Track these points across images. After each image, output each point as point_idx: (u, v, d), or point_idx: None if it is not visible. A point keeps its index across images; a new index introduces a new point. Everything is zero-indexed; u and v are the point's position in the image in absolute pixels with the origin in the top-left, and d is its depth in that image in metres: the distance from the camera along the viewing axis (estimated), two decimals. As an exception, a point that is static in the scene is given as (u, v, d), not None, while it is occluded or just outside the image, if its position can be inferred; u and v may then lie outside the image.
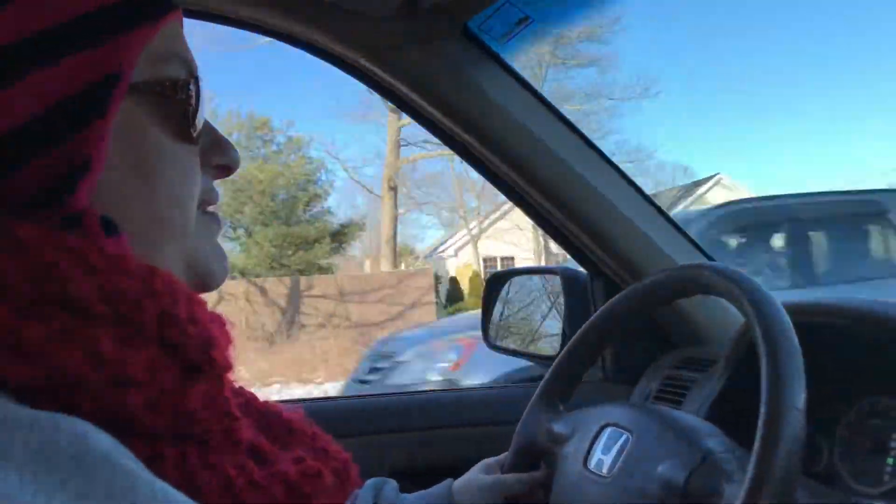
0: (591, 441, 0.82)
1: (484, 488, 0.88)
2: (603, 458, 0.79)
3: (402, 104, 1.16)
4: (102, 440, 0.36)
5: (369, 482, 0.87)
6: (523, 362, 2.29)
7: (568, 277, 1.37)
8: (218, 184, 0.59)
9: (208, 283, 0.55)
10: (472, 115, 1.13)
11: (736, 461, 0.69)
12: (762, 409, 0.62)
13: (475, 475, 0.91)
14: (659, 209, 1.27)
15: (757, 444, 0.60)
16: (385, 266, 18.23)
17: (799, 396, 0.61)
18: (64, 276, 0.40)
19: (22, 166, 0.43)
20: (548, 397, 0.92)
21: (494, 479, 0.89)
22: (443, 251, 23.64)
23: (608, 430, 0.81)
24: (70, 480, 0.33)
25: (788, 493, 0.59)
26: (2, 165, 0.43)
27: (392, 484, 0.88)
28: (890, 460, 0.82)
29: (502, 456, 0.94)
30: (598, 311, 0.92)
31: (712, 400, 0.99)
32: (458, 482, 0.90)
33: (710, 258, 1.32)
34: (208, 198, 0.56)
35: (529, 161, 1.17)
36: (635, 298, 0.88)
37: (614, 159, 1.23)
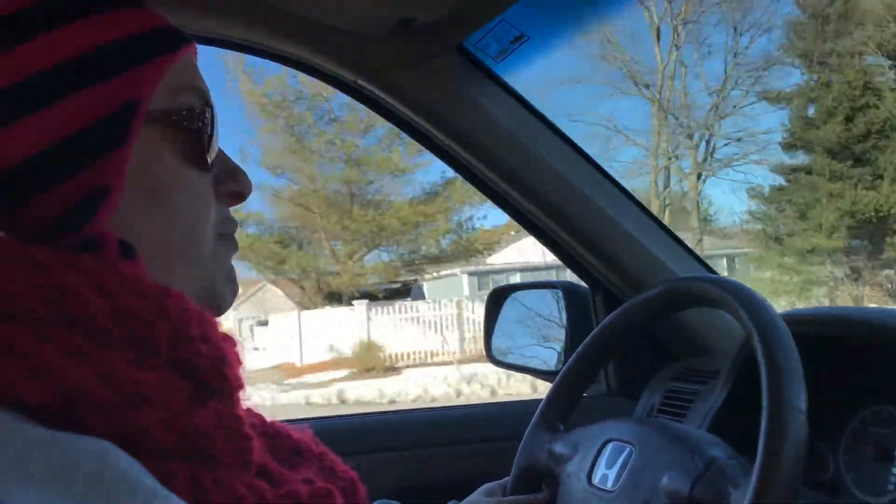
0: (594, 457, 0.82)
1: None
2: (607, 473, 0.79)
3: (400, 123, 1.17)
4: (121, 458, 0.37)
5: None
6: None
7: (569, 292, 1.37)
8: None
9: (218, 307, 0.55)
10: (470, 133, 1.14)
11: (740, 467, 0.69)
12: (764, 413, 0.62)
13: (477, 498, 0.91)
14: (658, 222, 1.28)
15: (761, 446, 0.60)
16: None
17: (799, 398, 0.62)
18: (79, 298, 0.41)
19: (45, 192, 0.45)
20: (548, 419, 0.92)
21: (496, 502, 0.89)
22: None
23: (611, 446, 0.81)
24: (88, 498, 0.34)
25: (794, 493, 0.59)
26: (25, 192, 0.44)
27: None
28: (894, 469, 0.82)
29: (504, 480, 0.94)
30: (594, 329, 0.92)
31: (715, 411, 0.99)
32: None
33: (710, 270, 1.32)
34: (225, 228, 0.57)
35: (528, 177, 1.18)
36: (632, 314, 0.88)
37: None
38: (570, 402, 0.94)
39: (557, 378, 0.94)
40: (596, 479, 0.80)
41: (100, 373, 0.40)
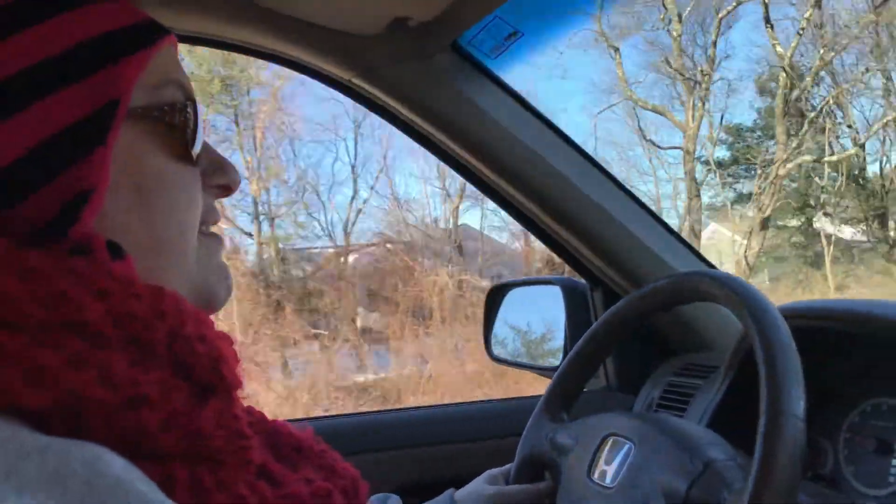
0: (594, 451, 0.82)
1: (487, 499, 0.88)
2: (606, 469, 0.79)
3: (396, 121, 1.17)
4: (115, 463, 0.36)
5: (373, 498, 0.87)
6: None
7: (568, 288, 1.37)
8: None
9: (212, 305, 0.55)
10: (466, 130, 1.13)
11: (738, 469, 0.69)
12: (761, 418, 0.61)
13: (479, 485, 0.91)
14: (657, 217, 1.28)
15: (757, 454, 0.60)
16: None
17: (797, 404, 0.61)
18: (75, 301, 0.41)
19: (28, 196, 0.44)
20: (551, 408, 0.93)
21: (497, 490, 0.89)
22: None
23: (611, 441, 0.81)
24: None
25: (790, 499, 0.59)
26: (9, 196, 0.44)
27: (395, 499, 0.88)
28: (894, 461, 0.82)
29: (507, 467, 0.94)
30: (598, 321, 0.92)
31: (715, 406, 0.99)
32: (461, 492, 0.90)
33: (709, 265, 1.32)
34: (209, 218, 0.56)
35: (525, 173, 1.17)
36: (634, 306, 0.88)
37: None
38: (573, 392, 0.94)
39: (560, 367, 0.94)
40: (595, 475, 0.80)
41: (99, 376, 0.40)
